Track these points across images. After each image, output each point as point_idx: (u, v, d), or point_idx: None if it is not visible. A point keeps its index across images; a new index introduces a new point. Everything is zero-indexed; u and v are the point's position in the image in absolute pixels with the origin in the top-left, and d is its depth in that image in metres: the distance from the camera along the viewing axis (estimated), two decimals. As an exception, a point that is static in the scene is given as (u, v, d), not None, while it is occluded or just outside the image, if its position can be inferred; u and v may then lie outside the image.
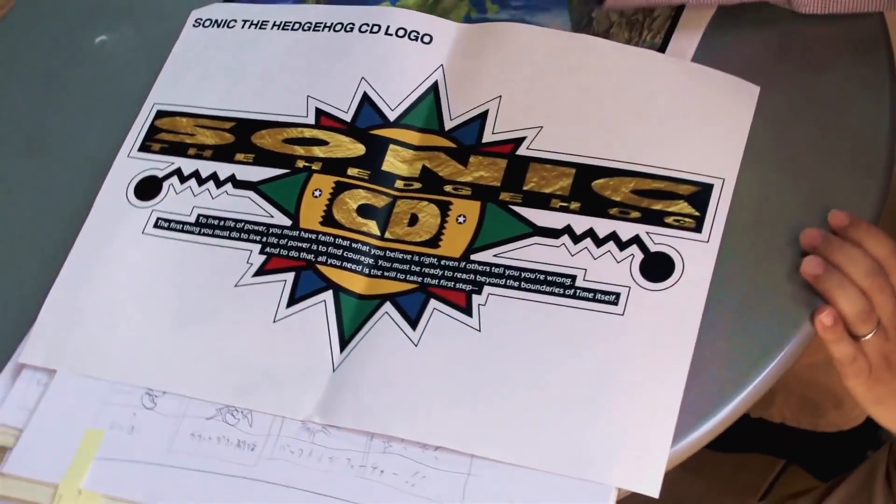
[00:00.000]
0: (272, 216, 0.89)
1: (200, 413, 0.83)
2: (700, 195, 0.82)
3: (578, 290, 0.81)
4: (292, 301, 0.85)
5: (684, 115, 0.86)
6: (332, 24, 0.96)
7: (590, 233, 0.82)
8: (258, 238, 0.88)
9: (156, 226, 0.91)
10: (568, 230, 0.83)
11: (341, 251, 0.86)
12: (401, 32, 0.94)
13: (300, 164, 0.90)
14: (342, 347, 0.83)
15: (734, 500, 1.50)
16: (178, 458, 0.81)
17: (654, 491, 0.74)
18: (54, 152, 1.00)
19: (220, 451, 0.81)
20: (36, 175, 0.99)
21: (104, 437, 0.82)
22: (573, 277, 0.81)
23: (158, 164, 0.94)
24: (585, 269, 0.81)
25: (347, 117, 0.91)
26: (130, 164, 0.94)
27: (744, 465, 1.48)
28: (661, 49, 0.92)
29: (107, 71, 1.04)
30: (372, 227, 0.87)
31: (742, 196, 0.83)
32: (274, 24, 0.98)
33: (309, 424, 0.81)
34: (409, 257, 0.85)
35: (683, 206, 0.82)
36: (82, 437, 0.83)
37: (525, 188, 0.85)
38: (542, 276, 0.82)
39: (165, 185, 0.92)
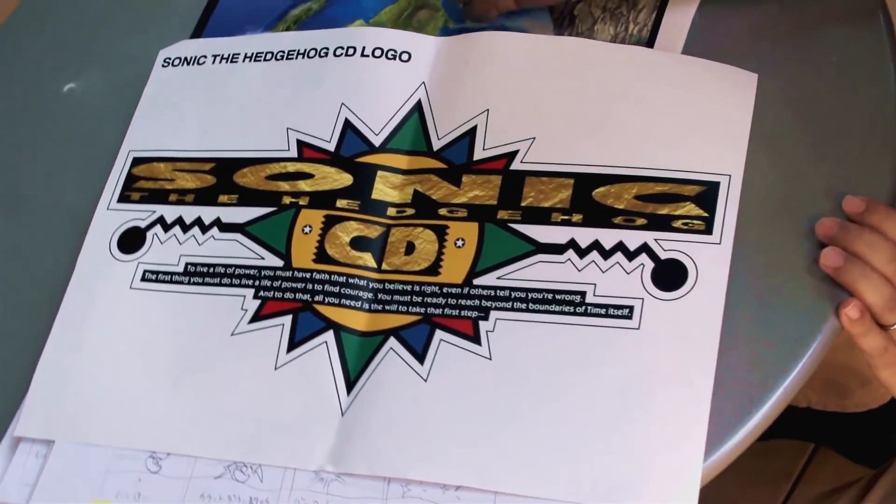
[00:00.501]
0: (263, 258, 0.85)
1: (208, 472, 0.79)
2: (707, 194, 0.78)
3: (589, 307, 0.77)
4: (292, 345, 0.81)
5: (682, 112, 0.82)
6: (305, 50, 0.93)
7: (595, 245, 0.79)
8: (251, 282, 0.84)
9: (143, 279, 0.87)
10: (572, 244, 0.79)
11: (338, 288, 0.82)
12: (377, 52, 0.90)
13: (286, 200, 0.86)
14: (349, 389, 0.79)
15: (766, 489, 1.47)
16: None
17: None
18: (31, 210, 0.97)
19: None
20: (13, 236, 0.96)
21: None
22: (583, 294, 0.77)
23: (140, 214, 0.90)
24: (595, 284, 0.77)
25: (331, 147, 0.88)
26: (111, 217, 0.90)
27: (772, 453, 1.44)
28: (650, 42, 0.88)
29: (79, 119, 1.01)
30: (367, 259, 0.83)
31: (751, 191, 0.79)
32: (245, 57, 0.94)
33: (322, 474, 0.77)
34: (409, 288, 0.81)
35: (691, 208, 0.78)
36: (87, 509, 0.79)
37: (523, 204, 0.82)
38: (550, 296, 0.78)
39: (149, 235, 0.89)
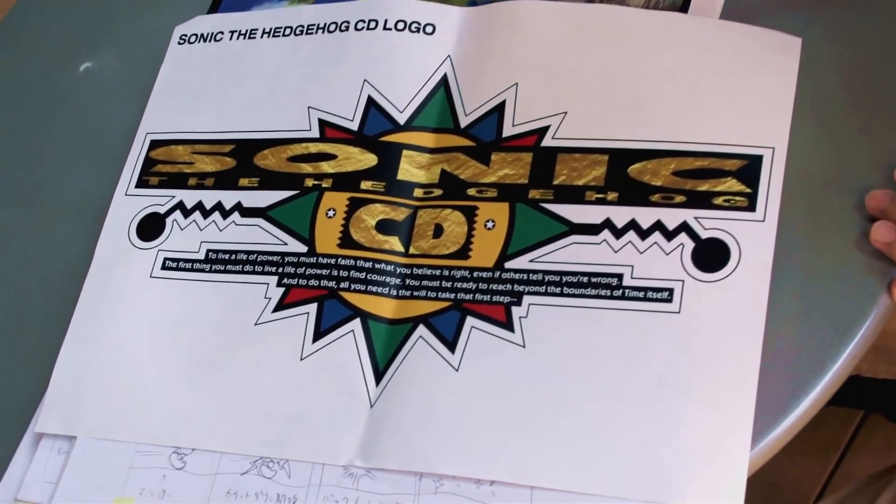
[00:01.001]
0: (286, 244, 0.82)
1: (234, 468, 0.76)
2: (749, 169, 0.74)
3: (627, 290, 0.73)
4: (318, 335, 0.78)
5: (721, 81, 0.78)
6: (325, 24, 0.89)
7: (632, 224, 0.75)
8: (274, 269, 0.81)
9: (164, 267, 0.84)
10: (608, 224, 0.75)
11: (364, 274, 0.79)
12: (400, 25, 0.86)
13: (309, 182, 0.83)
14: (378, 380, 0.76)
15: (814, 459, 1.43)
16: None
17: None
18: (47, 197, 0.94)
19: None
20: (31, 225, 0.93)
21: None
22: (619, 276, 0.74)
23: (159, 200, 0.87)
24: (632, 266, 0.74)
25: (354, 126, 0.84)
26: (129, 203, 0.87)
27: (820, 422, 1.39)
28: (685, 5, 0.84)
29: (95, 101, 0.98)
30: (394, 243, 0.80)
31: (796, 164, 0.74)
32: (264, 32, 0.91)
33: (351, 469, 0.74)
34: (438, 272, 0.78)
35: (732, 184, 0.74)
36: (111, 507, 0.77)
37: (555, 182, 0.78)
38: (585, 279, 0.74)
39: (168, 221, 0.86)
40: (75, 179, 0.93)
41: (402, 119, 0.83)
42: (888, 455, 1.42)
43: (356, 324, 0.78)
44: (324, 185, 0.83)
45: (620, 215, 0.75)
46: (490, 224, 0.78)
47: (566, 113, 0.80)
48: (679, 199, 0.75)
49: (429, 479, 0.72)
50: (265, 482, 0.75)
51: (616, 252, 0.74)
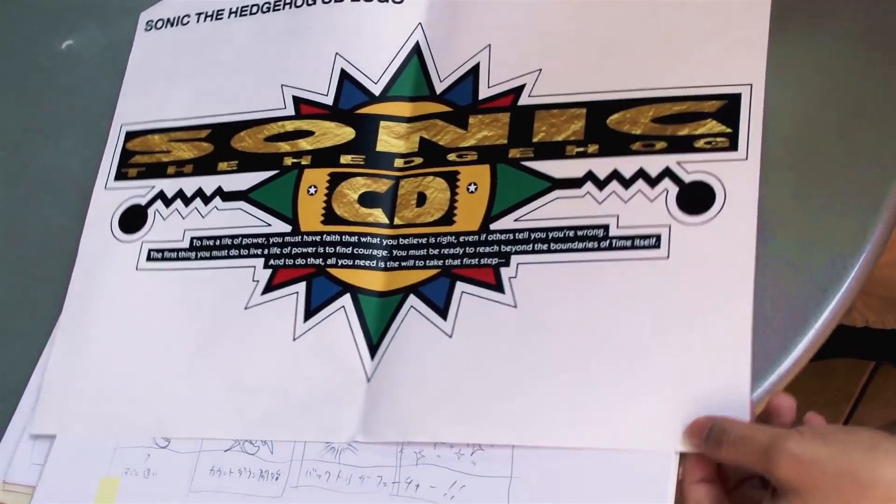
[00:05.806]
0: (270, 225, 0.81)
1: (217, 446, 0.77)
2: (728, 108, 0.73)
3: (614, 240, 0.72)
4: (309, 314, 0.77)
5: (692, 22, 0.76)
6: (291, 0, 0.88)
7: (615, 175, 0.74)
8: (259, 251, 0.80)
9: (149, 259, 0.83)
10: (590, 176, 0.74)
11: (351, 248, 0.78)
12: (368, -5, 0.85)
13: (288, 161, 0.82)
14: (372, 354, 0.75)
15: (825, 411, 1.41)
16: (201, 498, 0.75)
17: None
18: (33, 177, 0.93)
19: (243, 485, 0.75)
20: (16, 204, 0.92)
21: (120, 485, 0.77)
22: (605, 227, 0.73)
23: (139, 191, 0.86)
24: (617, 216, 0.73)
25: (329, 100, 0.83)
26: (110, 196, 0.87)
27: (831, 373, 1.39)
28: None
29: (78, 79, 0.96)
30: (378, 215, 0.79)
31: (776, 100, 0.73)
32: (231, 12, 0.90)
33: (333, 444, 0.73)
34: (424, 241, 0.77)
35: (712, 125, 0.73)
36: (98, 487, 0.77)
37: (535, 140, 0.77)
38: (571, 233, 0.73)
39: (150, 211, 0.85)
40: (61, 158, 0.92)
41: (377, 90, 0.82)
42: (900, 405, 1.41)
43: (346, 299, 0.77)
44: (303, 163, 0.82)
45: (602, 167, 0.74)
46: (472, 187, 0.77)
47: (541, 70, 0.79)
48: (660, 145, 0.74)
49: (410, 451, 0.72)
50: (248, 458, 0.75)
51: (600, 203, 0.73)
